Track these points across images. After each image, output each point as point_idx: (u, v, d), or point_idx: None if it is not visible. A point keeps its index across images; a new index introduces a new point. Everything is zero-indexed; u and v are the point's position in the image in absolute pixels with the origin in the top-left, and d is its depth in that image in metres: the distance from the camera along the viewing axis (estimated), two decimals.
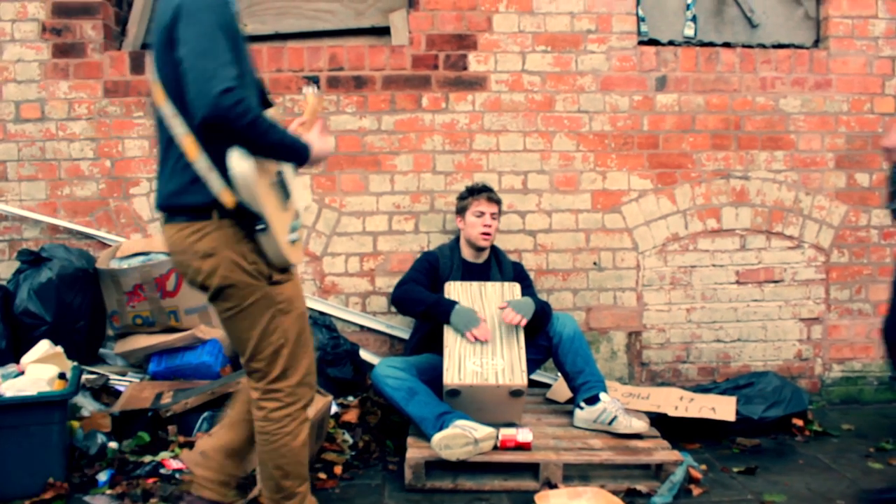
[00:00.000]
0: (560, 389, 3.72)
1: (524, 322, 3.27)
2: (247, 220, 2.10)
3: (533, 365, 3.53)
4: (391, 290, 3.75)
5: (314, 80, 2.48)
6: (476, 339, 3.22)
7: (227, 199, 2.07)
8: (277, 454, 2.28)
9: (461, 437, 2.96)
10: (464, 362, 3.18)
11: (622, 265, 4.10)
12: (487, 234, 3.58)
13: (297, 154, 2.17)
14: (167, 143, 2.14)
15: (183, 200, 2.12)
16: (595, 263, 4.09)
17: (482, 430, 3.01)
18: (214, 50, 1.96)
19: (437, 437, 2.97)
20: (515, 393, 3.16)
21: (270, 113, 2.26)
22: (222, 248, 2.12)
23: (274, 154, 2.12)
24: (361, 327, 4.00)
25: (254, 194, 2.04)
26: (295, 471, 2.31)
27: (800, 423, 3.74)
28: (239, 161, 2.01)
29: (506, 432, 3.07)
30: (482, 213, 3.58)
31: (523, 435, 3.06)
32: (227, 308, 2.19)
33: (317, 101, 2.51)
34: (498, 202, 3.64)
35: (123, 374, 3.62)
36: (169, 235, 2.18)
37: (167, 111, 2.09)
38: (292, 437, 2.27)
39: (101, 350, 3.82)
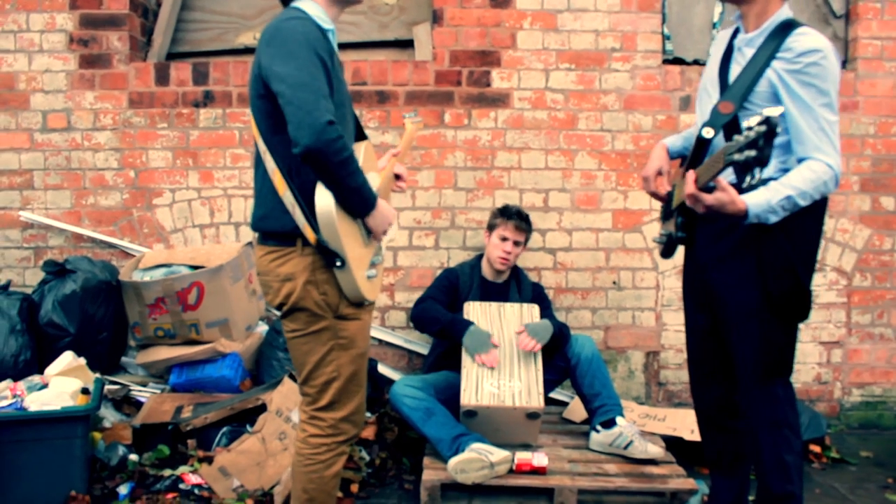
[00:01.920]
0: (576, 408, 3.72)
1: (539, 348, 3.28)
2: (324, 254, 2.15)
3: (550, 386, 3.54)
4: (410, 305, 3.77)
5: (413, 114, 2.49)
6: (483, 363, 3.25)
7: (309, 235, 2.12)
8: (307, 478, 2.31)
9: (477, 461, 2.98)
10: (481, 383, 3.20)
11: (641, 285, 4.09)
12: (505, 259, 3.58)
13: (366, 205, 2.17)
14: (261, 170, 2.22)
15: (270, 225, 2.21)
16: (614, 283, 4.08)
17: (498, 454, 3.03)
18: (314, 83, 2.01)
19: (454, 462, 2.98)
20: (532, 415, 3.17)
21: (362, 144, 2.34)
22: (300, 274, 2.17)
23: (351, 196, 2.11)
24: (380, 342, 4.02)
25: (335, 234, 2.09)
26: (320, 498, 2.33)
27: (817, 449, 3.73)
28: (323, 201, 2.07)
29: (521, 456, 3.08)
30: (506, 239, 3.56)
31: (539, 459, 3.07)
32: (292, 329, 2.26)
33: (414, 128, 2.53)
34: (526, 231, 3.62)
35: (144, 385, 3.67)
36: (258, 256, 2.27)
37: (261, 146, 2.17)
38: (325, 466, 2.30)
39: (123, 358, 3.87)
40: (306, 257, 2.17)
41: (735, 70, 2.38)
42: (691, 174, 2.19)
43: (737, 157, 1.91)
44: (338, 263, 2.14)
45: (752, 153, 1.88)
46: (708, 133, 2.29)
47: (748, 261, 2.34)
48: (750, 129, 1.88)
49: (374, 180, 2.35)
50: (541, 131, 4.03)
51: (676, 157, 2.72)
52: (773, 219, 2.20)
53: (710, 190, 2.16)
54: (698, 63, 4.10)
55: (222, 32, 4.22)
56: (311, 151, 1.97)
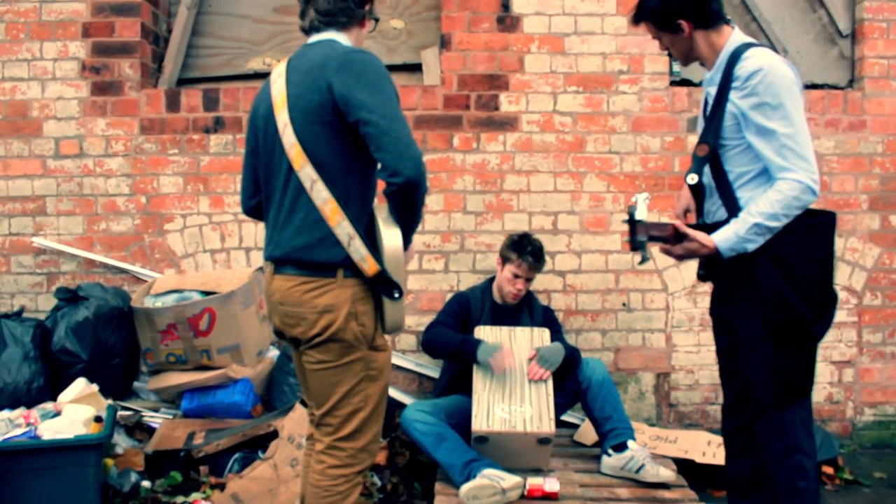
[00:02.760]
0: (587, 431, 3.72)
1: (548, 376, 3.29)
2: (380, 285, 2.19)
3: (561, 409, 3.54)
4: (421, 328, 3.78)
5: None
6: (498, 364, 3.24)
7: (371, 266, 2.15)
8: None
9: (489, 488, 2.98)
10: (492, 409, 3.20)
11: (651, 306, 4.09)
12: (517, 295, 3.59)
13: (412, 233, 2.26)
14: (295, 198, 2.20)
15: (312, 256, 2.19)
16: (624, 304, 4.08)
17: (509, 480, 3.03)
18: (402, 118, 2.11)
19: (466, 488, 2.99)
20: (543, 441, 3.17)
21: None
22: (342, 305, 2.19)
23: (414, 228, 2.24)
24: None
25: (400, 265, 2.16)
26: None
27: (830, 470, 3.71)
28: (394, 233, 2.15)
29: (533, 481, 3.08)
30: (518, 277, 3.54)
31: (550, 484, 3.07)
32: (322, 360, 2.24)
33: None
34: (539, 269, 3.61)
35: (156, 410, 3.69)
36: (284, 287, 2.24)
37: (306, 174, 2.15)
38: (342, 496, 2.30)
39: (135, 383, 3.89)
40: (347, 289, 2.19)
41: (709, 110, 2.44)
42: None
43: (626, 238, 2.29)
44: (395, 294, 2.19)
45: (628, 238, 2.21)
46: (692, 179, 2.41)
47: (748, 293, 2.37)
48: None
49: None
50: (549, 154, 4.05)
51: None
52: (751, 247, 2.27)
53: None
54: None
55: (232, 58, 4.26)
56: (411, 183, 2.06)
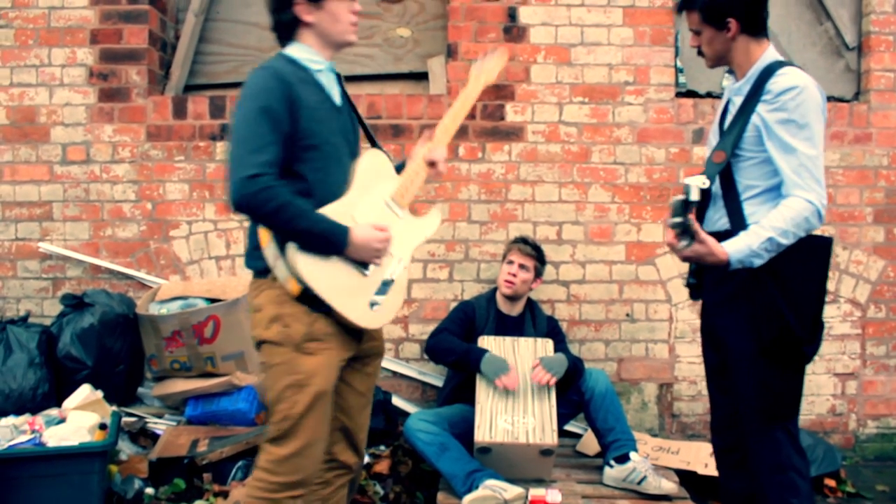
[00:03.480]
0: (589, 442, 3.72)
1: (553, 382, 3.29)
2: (308, 302, 2.16)
3: (563, 419, 3.54)
4: (424, 337, 3.79)
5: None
6: (505, 386, 3.25)
7: (293, 287, 2.14)
8: None
9: (491, 499, 2.99)
10: (495, 419, 3.21)
11: (655, 317, 4.09)
12: (510, 282, 3.61)
13: (330, 243, 2.14)
14: None
15: (248, 263, 2.29)
16: (628, 315, 4.09)
17: (512, 491, 3.03)
18: (249, 136, 2.07)
19: (468, 499, 2.99)
20: (546, 452, 3.18)
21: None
22: (267, 305, 2.20)
23: (307, 240, 2.12)
24: (394, 373, 4.04)
25: (312, 288, 2.12)
26: None
27: (832, 483, 3.71)
28: (293, 256, 2.10)
29: (535, 493, 3.09)
30: (511, 262, 3.63)
31: (552, 496, 3.07)
32: (261, 362, 2.27)
33: (477, 84, 2.54)
34: (531, 256, 3.65)
35: (160, 416, 3.70)
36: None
37: None
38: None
39: (140, 389, 3.91)
40: (274, 290, 2.18)
41: (728, 119, 2.43)
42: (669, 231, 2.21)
43: (671, 221, 2.10)
44: (324, 310, 2.16)
45: (678, 220, 2.07)
46: (705, 184, 2.33)
47: (742, 307, 2.35)
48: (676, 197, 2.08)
49: (385, 190, 2.35)
50: (554, 164, 4.05)
51: None
52: (758, 262, 2.23)
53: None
54: (711, 95, 4.12)
55: (239, 65, 4.28)
56: (238, 207, 2.07)
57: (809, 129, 2.26)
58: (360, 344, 2.35)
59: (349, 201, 2.23)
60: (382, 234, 2.22)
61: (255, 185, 2.02)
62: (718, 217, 2.43)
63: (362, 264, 2.21)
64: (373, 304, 2.26)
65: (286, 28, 2.27)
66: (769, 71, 2.33)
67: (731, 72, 2.49)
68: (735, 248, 2.21)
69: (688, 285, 2.56)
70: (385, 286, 2.29)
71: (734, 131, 2.36)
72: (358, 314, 2.22)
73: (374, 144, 2.46)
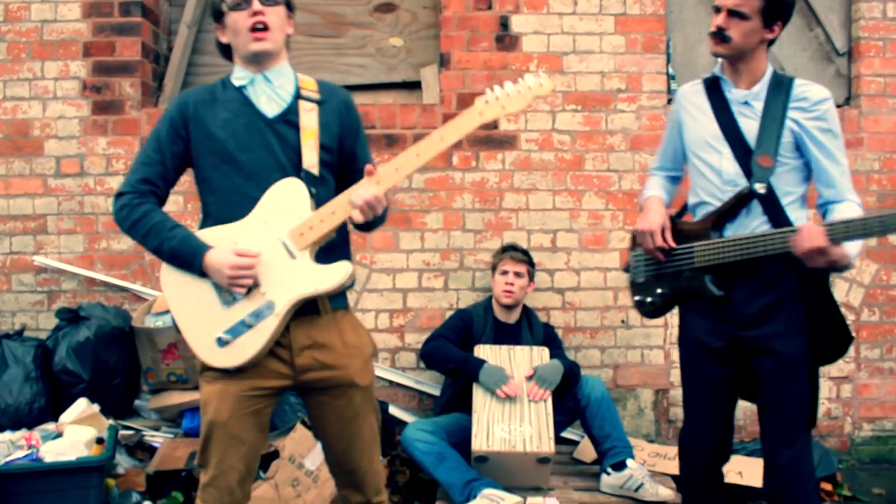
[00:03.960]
0: (587, 448, 3.73)
1: (548, 396, 3.31)
2: None
3: (560, 426, 3.57)
4: (420, 346, 3.79)
5: None
6: (507, 395, 3.26)
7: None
8: None
9: None
10: (492, 428, 3.22)
11: (650, 323, 4.10)
12: (508, 291, 3.62)
13: (182, 262, 2.10)
14: None
15: None
16: (623, 321, 4.10)
17: (509, 500, 3.05)
18: (138, 155, 2.21)
19: None
20: (543, 460, 3.19)
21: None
22: None
23: (164, 258, 2.13)
24: (391, 383, 4.05)
25: (167, 300, 2.18)
26: None
27: (828, 487, 3.72)
28: (162, 271, 2.17)
29: (533, 501, 3.11)
30: (506, 272, 3.65)
31: None
32: None
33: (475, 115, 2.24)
34: (524, 262, 3.68)
35: (157, 429, 3.69)
36: None
37: None
38: None
39: (136, 402, 3.90)
40: None
41: (748, 124, 2.38)
42: (821, 230, 2.15)
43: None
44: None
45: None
46: (762, 188, 2.32)
47: (798, 311, 2.35)
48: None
49: (285, 224, 2.09)
50: (548, 172, 4.07)
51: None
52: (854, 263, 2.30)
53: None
54: None
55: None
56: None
57: (840, 141, 2.36)
58: (295, 374, 2.15)
59: (240, 227, 2.10)
60: (240, 260, 2.03)
61: (118, 203, 2.14)
62: (757, 224, 2.37)
63: (231, 295, 2.08)
64: (220, 341, 2.07)
65: (224, 53, 2.27)
66: (783, 80, 2.37)
67: (718, 76, 2.46)
68: (854, 252, 2.23)
69: (716, 298, 2.41)
70: (242, 326, 2.07)
71: (770, 136, 2.33)
72: (201, 346, 2.10)
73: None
